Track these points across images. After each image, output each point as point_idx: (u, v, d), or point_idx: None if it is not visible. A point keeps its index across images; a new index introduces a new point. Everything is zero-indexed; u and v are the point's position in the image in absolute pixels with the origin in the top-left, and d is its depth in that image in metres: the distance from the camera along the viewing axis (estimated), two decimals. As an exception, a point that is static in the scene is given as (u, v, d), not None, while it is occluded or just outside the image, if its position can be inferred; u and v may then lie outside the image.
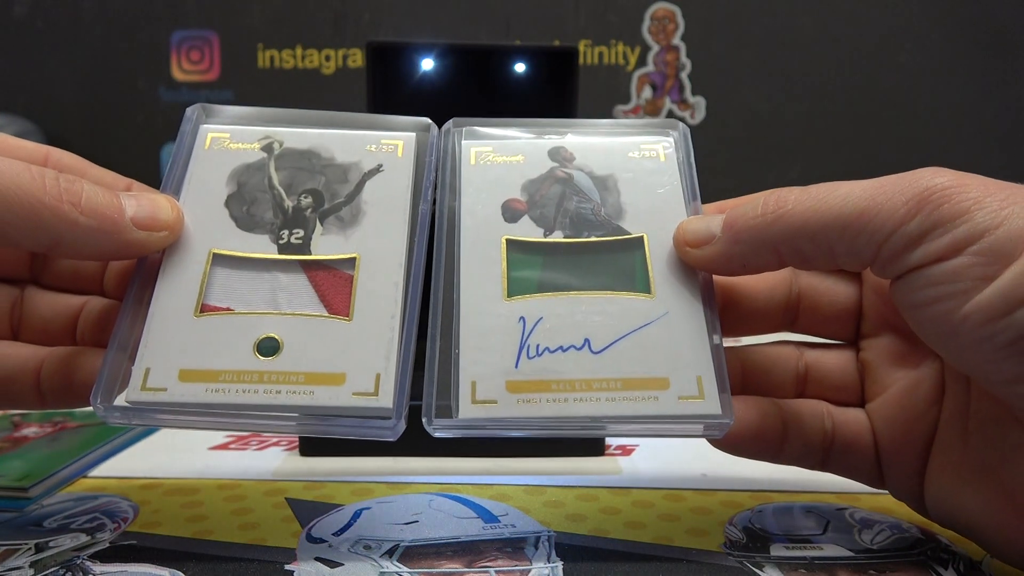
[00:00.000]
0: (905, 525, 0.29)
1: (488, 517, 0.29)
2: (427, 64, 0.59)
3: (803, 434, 0.27)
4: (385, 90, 0.59)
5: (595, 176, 0.29)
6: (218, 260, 0.27)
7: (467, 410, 0.24)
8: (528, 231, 0.28)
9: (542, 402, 0.24)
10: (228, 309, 0.26)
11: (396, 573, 0.25)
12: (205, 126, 0.30)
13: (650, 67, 0.91)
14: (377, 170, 0.29)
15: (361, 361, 0.25)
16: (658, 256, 0.27)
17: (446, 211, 0.28)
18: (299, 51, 0.95)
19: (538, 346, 0.25)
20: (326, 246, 0.27)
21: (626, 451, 0.38)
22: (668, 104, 0.90)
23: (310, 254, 0.27)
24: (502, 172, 0.29)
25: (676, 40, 0.91)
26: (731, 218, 0.25)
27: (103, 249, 0.25)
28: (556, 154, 0.30)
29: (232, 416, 0.24)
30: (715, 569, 0.25)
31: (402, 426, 0.25)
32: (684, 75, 0.91)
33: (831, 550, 0.26)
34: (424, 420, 0.24)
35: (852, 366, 0.28)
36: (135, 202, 0.25)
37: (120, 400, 0.24)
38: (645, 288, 0.27)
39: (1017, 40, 0.89)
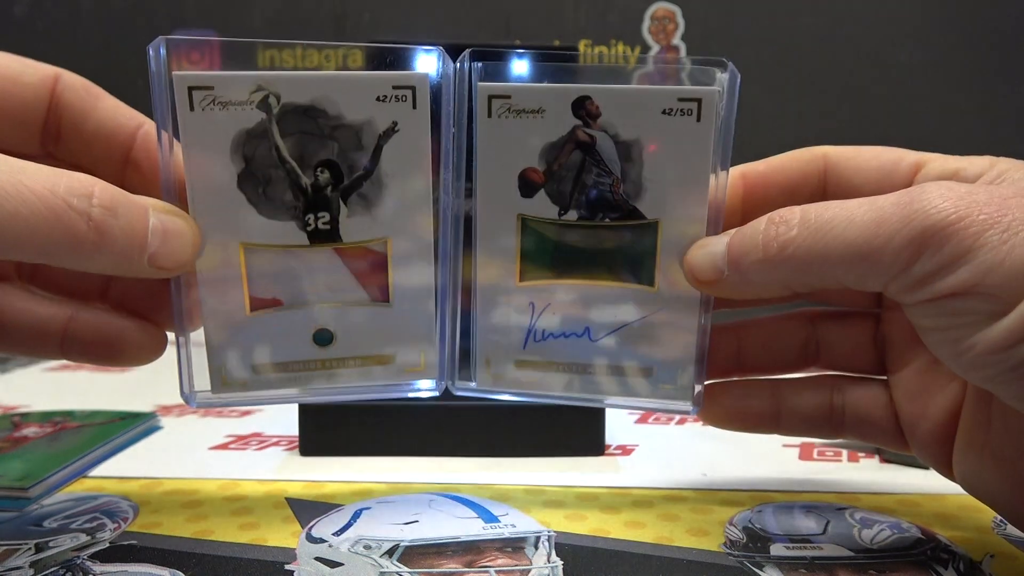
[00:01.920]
0: (905, 525, 0.29)
1: (488, 517, 0.29)
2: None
3: (800, 410, 0.29)
4: (385, 90, 0.59)
5: (619, 141, 0.27)
6: (250, 252, 0.27)
7: (483, 381, 0.29)
8: (543, 208, 0.28)
9: (544, 379, 0.29)
10: (276, 301, 0.27)
11: (396, 573, 0.25)
12: (180, 75, 0.25)
13: (650, 67, 0.91)
14: (392, 130, 0.27)
15: (406, 343, 0.28)
16: (668, 243, 0.27)
17: (462, 171, 0.28)
18: (299, 51, 0.95)
19: (543, 331, 0.29)
20: (355, 230, 0.27)
21: (626, 451, 0.38)
22: (668, 104, 0.90)
23: (341, 241, 0.27)
24: (520, 131, 0.27)
25: (676, 40, 0.91)
26: (736, 254, 0.25)
27: (114, 271, 0.24)
28: (580, 107, 0.27)
29: (304, 396, 0.29)
30: (715, 569, 0.25)
31: (442, 386, 0.29)
32: (684, 75, 0.91)
33: (831, 550, 0.26)
34: (448, 383, 0.29)
35: (869, 337, 0.29)
36: (158, 240, 0.24)
37: (205, 394, 0.28)
38: (649, 280, 0.28)
39: (1017, 40, 0.89)
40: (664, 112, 0.27)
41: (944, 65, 0.93)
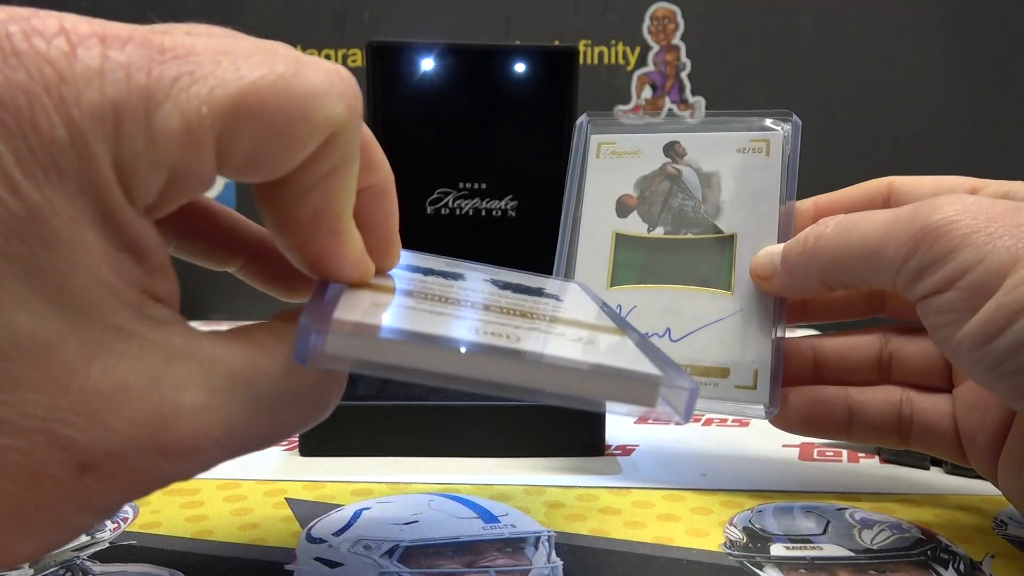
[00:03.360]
0: (905, 525, 0.29)
1: (488, 517, 0.29)
2: (427, 64, 0.59)
3: (871, 419, 0.30)
4: (385, 90, 0.59)
5: (701, 173, 0.33)
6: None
7: None
8: (635, 226, 0.33)
9: None
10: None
11: (396, 573, 0.25)
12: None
13: (650, 67, 0.91)
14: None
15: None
16: (743, 253, 0.32)
17: (573, 202, 0.34)
18: (299, 51, 0.95)
19: None
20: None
21: (626, 451, 0.38)
22: (668, 104, 0.90)
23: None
24: (620, 167, 0.34)
25: (676, 40, 0.91)
26: (786, 251, 0.29)
27: None
28: (670, 149, 0.34)
29: None
30: (715, 569, 0.25)
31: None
32: (684, 75, 0.91)
33: (831, 550, 0.26)
34: None
35: (937, 352, 0.30)
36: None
37: None
38: (726, 285, 0.31)
39: (1017, 40, 0.89)
40: (739, 151, 0.33)
41: (944, 65, 0.93)
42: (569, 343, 0.20)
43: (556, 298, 0.27)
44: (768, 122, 0.33)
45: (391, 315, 0.19)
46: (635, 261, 0.33)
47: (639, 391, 0.18)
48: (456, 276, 0.26)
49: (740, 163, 0.33)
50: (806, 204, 0.32)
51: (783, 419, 0.31)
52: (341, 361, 0.16)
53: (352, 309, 0.18)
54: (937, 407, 0.30)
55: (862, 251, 0.25)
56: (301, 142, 0.17)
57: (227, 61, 0.16)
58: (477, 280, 0.26)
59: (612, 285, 0.33)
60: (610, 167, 0.34)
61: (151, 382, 0.15)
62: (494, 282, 0.26)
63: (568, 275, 0.33)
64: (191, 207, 0.23)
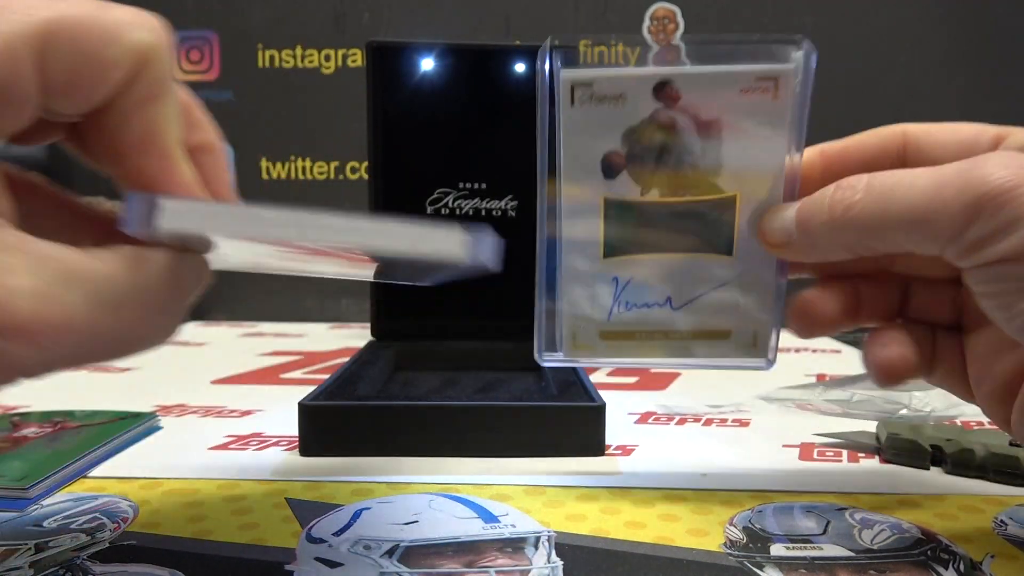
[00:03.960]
0: (905, 525, 0.29)
1: (488, 517, 0.29)
2: (427, 64, 0.59)
3: (877, 306, 0.29)
4: (385, 90, 0.59)
5: (700, 121, 0.29)
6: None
7: (569, 352, 0.31)
8: (626, 189, 0.29)
9: (627, 347, 0.31)
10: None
11: (396, 573, 0.25)
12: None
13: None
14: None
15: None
16: (745, 213, 0.29)
17: (547, 158, 0.29)
18: (299, 51, 0.95)
19: (627, 303, 0.30)
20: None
21: (626, 451, 0.38)
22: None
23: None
24: (601, 116, 0.28)
25: (676, 40, 0.91)
26: (803, 217, 0.26)
27: None
28: (661, 92, 0.28)
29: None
30: (715, 569, 0.25)
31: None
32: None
33: (831, 550, 0.26)
34: (536, 355, 0.30)
35: (949, 297, 0.29)
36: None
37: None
38: (727, 249, 0.30)
39: (1017, 40, 0.89)
40: (742, 91, 0.28)
41: (944, 65, 0.93)
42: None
43: None
44: (776, 52, 0.28)
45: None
46: (628, 227, 0.30)
47: (450, 241, 0.20)
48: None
49: (743, 107, 0.28)
50: (811, 153, 0.29)
51: (797, 315, 0.29)
52: (168, 229, 0.18)
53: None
54: (951, 347, 0.29)
55: (905, 221, 0.23)
56: (113, 60, 0.19)
57: (42, 2, 0.19)
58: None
59: (606, 256, 0.30)
60: (588, 117, 0.28)
61: None
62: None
63: (555, 249, 0.30)
64: (40, 191, 0.24)
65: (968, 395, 0.29)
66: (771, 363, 0.30)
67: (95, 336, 0.18)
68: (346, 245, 0.20)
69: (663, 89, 0.28)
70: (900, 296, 0.30)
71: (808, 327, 0.29)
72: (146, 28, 0.20)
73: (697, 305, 0.30)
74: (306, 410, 0.37)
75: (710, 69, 0.28)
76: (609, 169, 0.29)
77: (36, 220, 0.24)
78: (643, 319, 0.30)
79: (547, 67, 0.28)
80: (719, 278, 0.30)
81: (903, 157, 0.28)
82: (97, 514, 0.29)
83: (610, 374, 0.58)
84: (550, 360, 0.31)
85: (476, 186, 0.61)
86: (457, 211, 0.61)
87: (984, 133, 0.27)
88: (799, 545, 0.27)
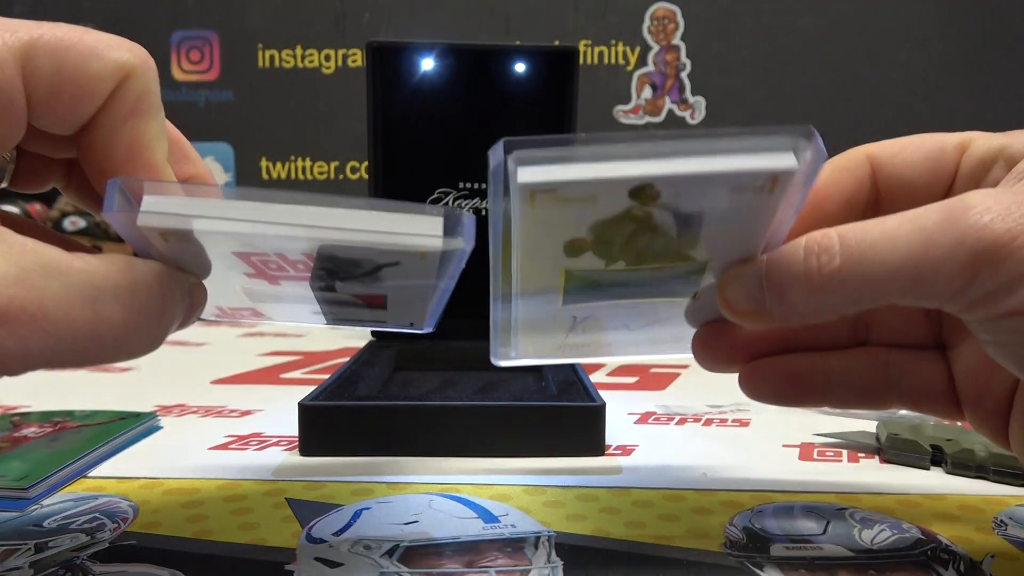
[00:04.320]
0: (905, 525, 0.29)
1: (488, 517, 0.29)
2: (427, 64, 0.59)
3: (852, 384, 0.28)
4: (385, 90, 0.59)
5: (679, 213, 0.23)
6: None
7: (524, 355, 0.30)
8: (588, 263, 0.25)
9: (584, 351, 0.31)
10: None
11: (396, 573, 0.25)
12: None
13: (650, 67, 0.91)
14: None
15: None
16: (717, 272, 0.26)
17: (499, 246, 0.25)
18: (299, 51, 0.95)
19: (584, 328, 0.29)
20: None
21: (626, 451, 0.38)
22: (668, 104, 0.90)
23: None
24: (568, 215, 0.23)
25: (676, 40, 0.91)
26: (778, 286, 0.23)
27: None
28: (638, 194, 0.23)
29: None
30: (715, 569, 0.25)
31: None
32: (684, 75, 0.91)
33: (831, 550, 0.26)
34: (492, 358, 0.29)
35: (921, 311, 0.28)
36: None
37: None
38: (691, 295, 0.27)
39: (1017, 40, 0.89)
40: (733, 190, 0.23)
41: (944, 65, 0.93)
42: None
43: None
44: (775, 144, 0.22)
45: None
46: (589, 290, 0.27)
47: (426, 224, 0.20)
48: None
49: (733, 202, 0.23)
50: None
51: (756, 392, 0.29)
52: (142, 214, 0.19)
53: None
54: (930, 367, 0.28)
55: (894, 282, 0.21)
56: (96, 74, 0.20)
57: (27, 23, 0.20)
58: None
59: (565, 304, 0.27)
60: (550, 216, 0.23)
61: None
62: None
63: (507, 278, 0.26)
64: (30, 229, 0.24)
65: (945, 412, 0.28)
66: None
67: (72, 329, 0.19)
68: (317, 235, 0.20)
69: (642, 191, 0.23)
70: (863, 321, 0.29)
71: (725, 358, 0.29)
72: (126, 48, 0.21)
73: (656, 328, 0.30)
74: (306, 410, 0.37)
75: (696, 169, 0.22)
76: (572, 250, 0.25)
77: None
78: (600, 339, 0.30)
79: (501, 165, 0.23)
80: (680, 311, 0.29)
81: (875, 185, 0.27)
82: (97, 514, 0.29)
83: (610, 374, 0.58)
84: (504, 359, 0.30)
85: (476, 186, 0.61)
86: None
87: (947, 144, 0.26)
88: (799, 545, 0.27)
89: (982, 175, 0.25)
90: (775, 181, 0.22)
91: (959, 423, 0.42)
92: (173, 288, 0.22)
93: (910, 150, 0.26)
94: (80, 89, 0.21)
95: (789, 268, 0.23)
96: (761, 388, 0.29)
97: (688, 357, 0.30)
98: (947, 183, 0.26)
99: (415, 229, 0.22)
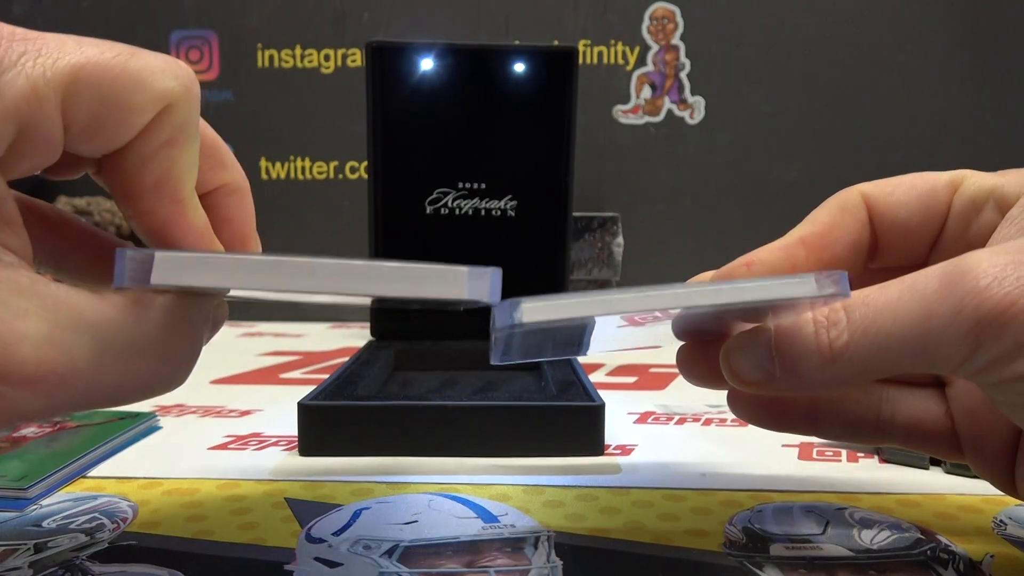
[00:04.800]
0: (905, 525, 0.29)
1: (488, 517, 0.29)
2: (427, 64, 0.59)
3: (841, 417, 0.27)
4: (385, 90, 0.59)
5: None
6: None
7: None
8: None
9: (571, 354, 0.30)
10: None
11: (396, 573, 0.25)
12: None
13: (649, 67, 0.91)
14: None
15: None
16: None
17: None
18: (298, 51, 0.95)
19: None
20: None
21: (626, 451, 0.38)
22: (667, 103, 0.90)
23: None
24: (560, 332, 0.24)
25: (675, 40, 0.91)
26: (789, 360, 0.23)
27: None
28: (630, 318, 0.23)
29: None
30: (715, 569, 0.25)
31: None
32: (683, 75, 0.91)
33: (831, 550, 0.26)
34: (492, 359, 0.26)
35: None
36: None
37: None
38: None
39: (1016, 41, 0.89)
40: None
41: (944, 65, 0.93)
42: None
43: None
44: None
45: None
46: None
47: (446, 280, 0.20)
48: None
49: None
50: (791, 244, 0.26)
51: (742, 414, 0.28)
52: (151, 283, 0.18)
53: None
54: (925, 405, 0.27)
55: (902, 354, 0.21)
56: (138, 108, 0.19)
57: (72, 44, 0.19)
58: None
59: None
60: (544, 333, 0.24)
61: None
62: None
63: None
64: (70, 226, 0.25)
65: (944, 451, 0.27)
66: None
67: (102, 385, 0.18)
68: (342, 293, 0.20)
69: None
70: None
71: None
72: (172, 75, 0.20)
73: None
74: (305, 410, 0.37)
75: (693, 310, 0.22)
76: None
77: (61, 256, 0.25)
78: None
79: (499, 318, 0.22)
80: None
81: (873, 227, 0.27)
82: (96, 514, 0.29)
83: (609, 374, 0.58)
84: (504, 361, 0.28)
85: (475, 186, 0.61)
86: (456, 211, 0.61)
87: (938, 184, 0.26)
88: (799, 545, 0.27)
89: (973, 215, 0.25)
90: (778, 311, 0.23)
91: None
92: (201, 327, 0.21)
93: (903, 189, 0.27)
94: (119, 123, 0.20)
95: (801, 342, 0.23)
96: (747, 412, 0.28)
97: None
98: (940, 222, 0.26)
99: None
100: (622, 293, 0.21)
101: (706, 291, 0.21)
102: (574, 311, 0.21)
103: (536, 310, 0.20)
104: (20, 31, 0.18)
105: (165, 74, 0.20)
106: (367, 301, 0.22)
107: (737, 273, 0.26)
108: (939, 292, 0.20)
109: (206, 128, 0.23)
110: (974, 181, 0.25)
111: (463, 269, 0.20)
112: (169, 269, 0.18)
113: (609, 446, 0.38)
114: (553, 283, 0.61)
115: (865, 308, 0.22)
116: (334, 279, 0.19)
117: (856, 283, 0.24)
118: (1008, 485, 0.26)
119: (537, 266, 0.62)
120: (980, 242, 0.25)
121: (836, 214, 0.27)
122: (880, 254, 0.27)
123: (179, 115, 0.20)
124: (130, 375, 0.19)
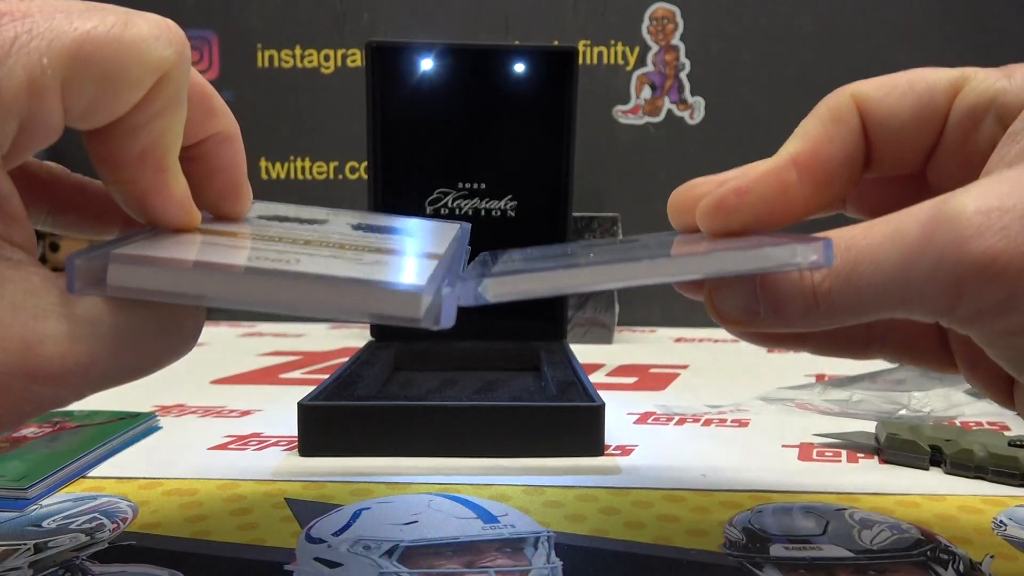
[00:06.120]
0: (905, 525, 0.29)
1: (487, 517, 0.29)
2: (426, 64, 0.59)
3: (834, 332, 0.27)
4: (385, 90, 0.59)
5: None
6: None
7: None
8: None
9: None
10: None
11: (395, 573, 0.25)
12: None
13: (649, 67, 0.91)
14: None
15: None
16: None
17: None
18: (298, 51, 0.95)
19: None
20: None
21: (626, 451, 0.38)
22: (667, 104, 0.90)
23: None
24: None
25: (675, 40, 0.91)
26: (772, 296, 0.23)
27: None
28: None
29: None
30: (715, 569, 0.25)
31: None
32: (683, 75, 0.91)
33: (831, 550, 0.26)
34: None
35: None
36: None
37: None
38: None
39: (1017, 41, 0.89)
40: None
41: (944, 65, 0.93)
42: (344, 263, 0.20)
43: (404, 234, 0.27)
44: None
45: (178, 249, 0.20)
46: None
47: (396, 301, 0.18)
48: (316, 221, 0.26)
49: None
50: (782, 165, 0.25)
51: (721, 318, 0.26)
52: (104, 289, 0.18)
53: (149, 246, 0.19)
54: (920, 324, 0.25)
55: (884, 302, 0.21)
56: (136, 82, 0.19)
57: (61, 17, 0.18)
58: (338, 224, 0.26)
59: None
60: None
61: (12, 312, 0.17)
62: (357, 225, 0.26)
63: None
64: (61, 182, 0.25)
65: (936, 364, 0.27)
66: None
67: (119, 367, 0.19)
68: (286, 304, 0.19)
69: None
70: None
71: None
72: (170, 44, 0.20)
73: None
74: (305, 410, 0.37)
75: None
76: None
77: (56, 212, 0.25)
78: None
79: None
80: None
81: (865, 133, 0.26)
82: (96, 514, 0.29)
83: (610, 374, 0.58)
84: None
85: (475, 186, 0.61)
86: (456, 211, 0.61)
87: (937, 86, 0.24)
88: (798, 545, 0.27)
89: (972, 127, 0.24)
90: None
91: (958, 422, 0.42)
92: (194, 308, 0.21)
93: (898, 93, 0.25)
94: (116, 99, 0.19)
95: (786, 285, 0.22)
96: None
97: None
98: (936, 132, 0.25)
99: None
100: (590, 268, 0.21)
101: (678, 263, 0.21)
102: (537, 285, 0.21)
103: (500, 285, 0.21)
104: (4, 7, 0.18)
105: (159, 41, 0.19)
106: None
107: (728, 202, 0.24)
108: (920, 241, 0.19)
109: (196, 76, 0.22)
110: (975, 86, 0.24)
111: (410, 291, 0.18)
112: (124, 278, 0.18)
113: (609, 446, 0.38)
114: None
115: (847, 253, 0.21)
116: (279, 290, 0.18)
117: (853, 196, 0.24)
118: (1006, 399, 0.25)
119: (537, 266, 0.61)
120: (978, 156, 0.23)
121: (828, 126, 0.26)
122: (874, 164, 0.26)
123: (173, 84, 0.20)
124: (145, 352, 0.19)
